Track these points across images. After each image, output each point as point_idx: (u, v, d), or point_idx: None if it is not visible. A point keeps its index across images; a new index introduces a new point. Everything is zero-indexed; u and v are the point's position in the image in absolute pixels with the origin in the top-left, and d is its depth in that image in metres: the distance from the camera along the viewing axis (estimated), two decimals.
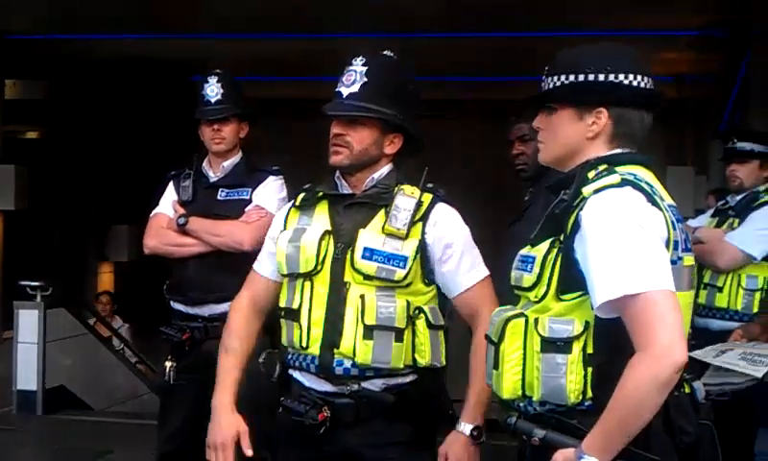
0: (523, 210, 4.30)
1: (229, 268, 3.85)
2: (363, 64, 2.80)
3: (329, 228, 2.82)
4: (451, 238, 2.82)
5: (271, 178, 4.03)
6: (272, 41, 10.55)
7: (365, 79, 2.78)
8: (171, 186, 4.12)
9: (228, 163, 4.07)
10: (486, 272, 2.91)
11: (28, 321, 7.81)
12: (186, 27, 10.08)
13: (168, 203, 4.08)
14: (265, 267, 3.02)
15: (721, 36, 9.99)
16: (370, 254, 2.72)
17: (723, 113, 10.27)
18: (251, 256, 3.90)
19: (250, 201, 3.99)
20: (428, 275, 2.80)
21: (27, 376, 7.77)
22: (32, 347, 7.77)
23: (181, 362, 3.94)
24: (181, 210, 4.01)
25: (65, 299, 8.60)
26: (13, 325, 7.98)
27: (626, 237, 2.09)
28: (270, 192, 3.99)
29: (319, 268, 2.77)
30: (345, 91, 2.79)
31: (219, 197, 4.03)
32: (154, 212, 4.11)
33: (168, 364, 3.96)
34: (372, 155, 2.84)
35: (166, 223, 4.01)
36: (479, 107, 13.72)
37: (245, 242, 3.83)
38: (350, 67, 2.82)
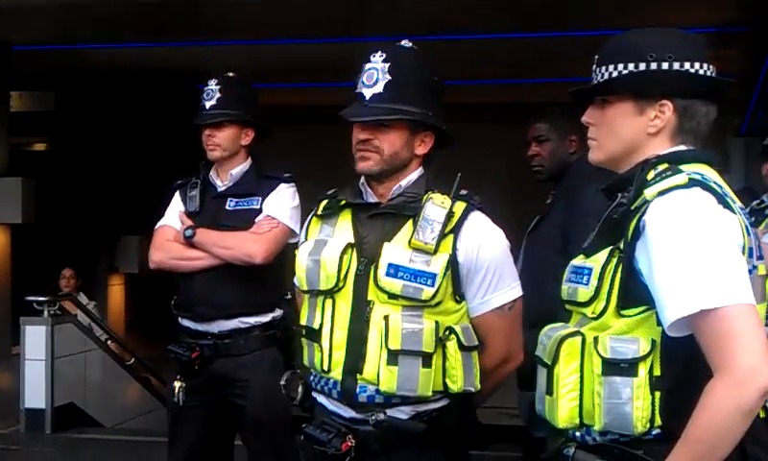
0: (543, 215, 4.12)
1: (239, 282, 3.66)
2: (384, 60, 2.53)
3: (352, 240, 2.56)
4: (484, 253, 2.54)
5: (282, 185, 3.78)
6: (279, 47, 10.35)
7: (388, 76, 2.51)
8: (177, 196, 3.87)
9: (236, 171, 3.81)
10: (519, 292, 2.64)
11: (35, 337, 7.61)
12: (192, 35, 9.90)
13: (174, 214, 3.84)
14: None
15: (743, 33, 9.76)
16: (394, 270, 2.44)
17: (745, 112, 10.04)
18: (261, 270, 3.70)
19: (260, 210, 3.73)
20: (459, 292, 2.53)
21: (35, 394, 7.56)
22: (39, 363, 7.58)
23: (191, 382, 3.71)
24: (188, 222, 3.77)
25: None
26: (20, 341, 7.79)
27: (699, 244, 1.84)
28: (281, 201, 3.75)
29: (341, 285, 2.51)
30: (367, 93, 2.52)
31: (228, 207, 3.78)
32: (159, 224, 3.85)
33: (177, 384, 3.73)
34: (403, 158, 2.57)
35: (172, 235, 3.76)
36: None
37: (256, 255, 3.61)
38: (370, 65, 2.54)
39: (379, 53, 2.55)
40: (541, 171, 4.06)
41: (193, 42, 10.24)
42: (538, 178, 4.11)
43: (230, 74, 3.88)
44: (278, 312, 3.70)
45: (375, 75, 2.53)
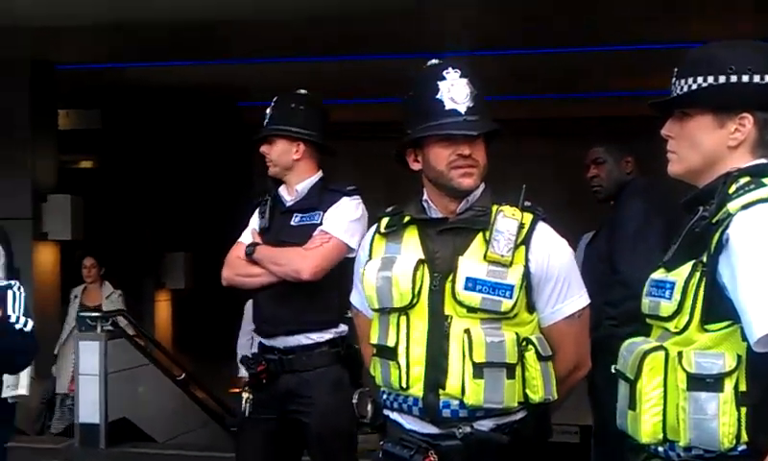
0: (598, 230, 4.58)
1: (296, 299, 3.68)
2: (461, 76, 2.57)
3: (423, 256, 2.58)
4: (554, 262, 2.58)
5: (344, 199, 3.77)
6: (332, 64, 10.39)
7: (473, 90, 2.56)
8: (256, 214, 3.93)
9: (302, 186, 3.83)
10: (587, 300, 2.67)
11: (89, 352, 7.69)
12: (237, 53, 9.97)
13: (249, 231, 3.89)
14: (360, 303, 2.81)
15: None
16: (473, 284, 2.47)
17: None
18: (318, 286, 3.69)
19: (321, 224, 3.75)
20: (531, 302, 2.56)
21: (89, 409, 7.64)
22: (93, 379, 7.66)
23: (258, 395, 3.75)
24: (257, 239, 3.82)
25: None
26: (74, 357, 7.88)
27: None
28: (339, 214, 3.74)
29: (415, 301, 2.53)
30: (461, 108, 2.54)
31: (293, 222, 3.80)
32: (237, 241, 3.92)
33: (245, 395, 3.78)
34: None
35: (242, 252, 3.82)
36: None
37: (302, 271, 3.62)
38: (452, 80, 2.56)
39: (452, 68, 2.57)
40: (600, 191, 4.52)
41: (240, 60, 10.31)
42: (597, 197, 4.57)
43: (300, 92, 3.94)
44: (342, 328, 3.69)
45: (462, 90, 2.56)
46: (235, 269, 3.82)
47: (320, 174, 3.88)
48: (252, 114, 12.68)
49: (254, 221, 3.89)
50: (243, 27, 8.62)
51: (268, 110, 3.88)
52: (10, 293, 3.41)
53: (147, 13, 7.97)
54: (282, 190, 3.89)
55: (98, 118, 12.41)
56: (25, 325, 2.59)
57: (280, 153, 3.82)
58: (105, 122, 12.44)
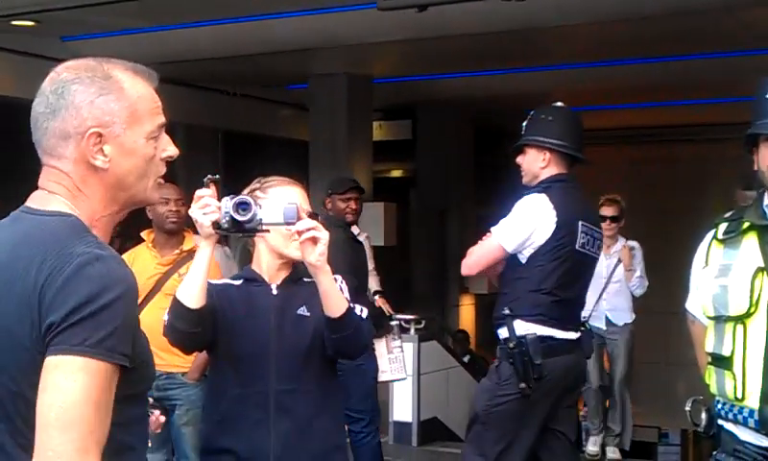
0: None
1: None
2: None
3: (762, 264, 2.53)
4: None
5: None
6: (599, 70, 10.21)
7: None
8: None
9: None
10: None
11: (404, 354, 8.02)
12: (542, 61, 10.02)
13: None
14: (696, 311, 2.79)
15: None
16: None
17: None
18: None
19: None
20: None
21: (403, 408, 7.97)
22: (407, 379, 7.97)
23: None
24: None
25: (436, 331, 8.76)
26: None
27: None
28: (511, 213, 4.16)
29: (752, 310, 2.49)
30: None
31: None
32: None
33: None
34: None
35: None
36: None
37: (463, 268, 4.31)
38: None
39: None
40: None
41: (542, 68, 10.36)
42: None
43: (557, 105, 4.37)
44: None
45: None
46: None
47: None
48: None
49: None
50: (550, 34, 8.66)
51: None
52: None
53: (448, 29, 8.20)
54: None
55: (409, 129, 12.88)
56: (361, 311, 2.83)
57: (528, 161, 4.23)
58: (416, 133, 12.90)
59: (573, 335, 4.10)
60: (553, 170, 4.15)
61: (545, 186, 4.10)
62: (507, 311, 3.98)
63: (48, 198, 1.71)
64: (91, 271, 1.56)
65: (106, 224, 1.74)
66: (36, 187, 1.75)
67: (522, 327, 3.94)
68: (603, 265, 6.46)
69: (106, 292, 1.55)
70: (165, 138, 1.79)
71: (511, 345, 3.94)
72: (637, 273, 6.83)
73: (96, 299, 1.54)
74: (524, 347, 3.92)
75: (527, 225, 4.04)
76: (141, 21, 8.27)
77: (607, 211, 6.81)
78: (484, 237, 4.16)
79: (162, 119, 1.78)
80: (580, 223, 4.11)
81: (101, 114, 1.68)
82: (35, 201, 1.73)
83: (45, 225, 1.66)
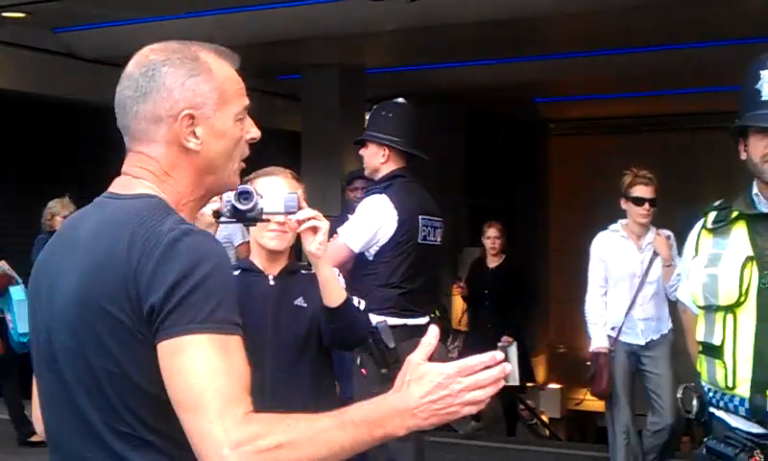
0: None
1: None
2: None
3: (751, 253, 2.54)
4: None
5: None
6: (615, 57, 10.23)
7: None
8: None
9: None
10: None
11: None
12: (538, 50, 10.04)
13: None
14: (687, 300, 2.81)
15: None
16: None
17: None
18: None
19: None
20: None
21: None
22: None
23: None
24: None
25: None
26: None
27: None
28: (355, 214, 4.32)
29: (742, 299, 2.50)
30: None
31: None
32: None
33: None
34: None
35: None
36: None
37: None
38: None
39: None
40: None
41: (540, 57, 10.37)
42: None
43: (397, 100, 4.55)
44: None
45: None
46: None
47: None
48: (547, 109, 12.76)
49: None
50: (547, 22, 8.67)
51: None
52: None
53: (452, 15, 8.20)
54: None
55: None
56: (359, 303, 2.85)
57: (368, 155, 4.39)
58: None
59: (423, 320, 4.28)
60: (392, 166, 4.36)
61: (386, 186, 4.31)
62: None
63: (133, 182, 1.68)
64: (182, 246, 1.54)
65: (191, 209, 1.73)
66: (119, 173, 1.73)
67: (374, 320, 4.06)
68: (636, 262, 5.38)
69: (200, 266, 1.53)
70: (249, 120, 1.77)
71: None
72: (678, 269, 4.72)
73: (192, 274, 1.52)
74: (377, 335, 4.08)
75: (371, 225, 4.24)
76: (132, 12, 8.27)
77: (644, 192, 5.33)
78: (331, 239, 4.21)
79: (247, 101, 1.76)
80: (420, 217, 4.36)
81: (192, 96, 1.66)
82: (118, 186, 1.71)
83: (131, 207, 1.63)
